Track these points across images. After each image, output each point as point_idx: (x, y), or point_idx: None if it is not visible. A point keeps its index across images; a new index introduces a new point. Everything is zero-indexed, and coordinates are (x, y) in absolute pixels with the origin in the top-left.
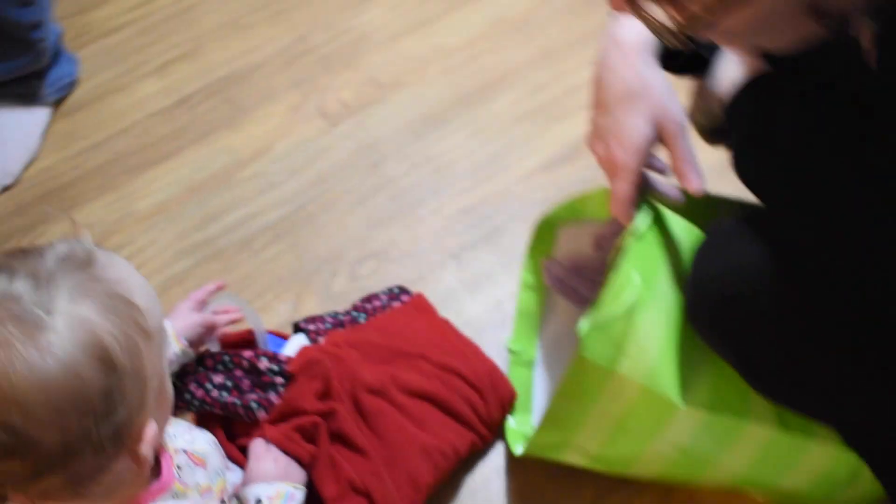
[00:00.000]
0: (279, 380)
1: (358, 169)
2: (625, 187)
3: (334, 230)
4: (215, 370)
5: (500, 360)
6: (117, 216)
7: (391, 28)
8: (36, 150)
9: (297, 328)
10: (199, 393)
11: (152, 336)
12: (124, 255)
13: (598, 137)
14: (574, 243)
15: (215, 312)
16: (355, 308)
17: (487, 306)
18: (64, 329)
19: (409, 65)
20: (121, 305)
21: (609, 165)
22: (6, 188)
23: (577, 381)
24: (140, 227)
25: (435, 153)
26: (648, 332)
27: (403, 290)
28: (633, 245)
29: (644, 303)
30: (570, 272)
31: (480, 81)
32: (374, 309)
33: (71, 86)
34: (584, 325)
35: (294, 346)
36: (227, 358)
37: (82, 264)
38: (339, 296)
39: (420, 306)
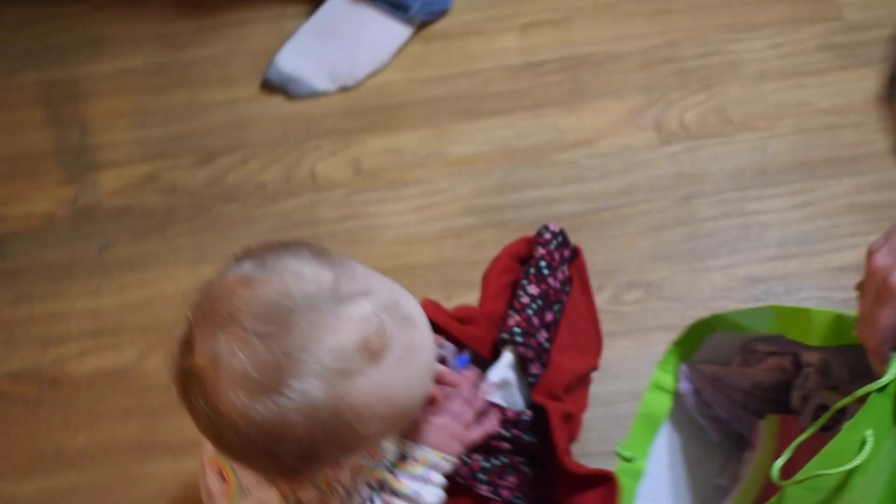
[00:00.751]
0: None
1: (669, 195)
2: (892, 316)
3: (619, 246)
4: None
5: None
6: (428, 152)
7: (765, 65)
8: (385, 62)
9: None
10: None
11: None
12: (419, 191)
13: (889, 250)
14: (719, 352)
15: None
16: (551, 297)
17: None
18: None
19: (765, 110)
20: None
21: (883, 286)
22: (345, 89)
23: None
24: (444, 170)
25: (752, 209)
26: (864, 496)
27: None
28: (874, 399)
29: (869, 464)
30: (708, 382)
31: (831, 154)
32: (558, 291)
33: (440, 14)
34: (779, 477)
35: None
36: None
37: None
38: None
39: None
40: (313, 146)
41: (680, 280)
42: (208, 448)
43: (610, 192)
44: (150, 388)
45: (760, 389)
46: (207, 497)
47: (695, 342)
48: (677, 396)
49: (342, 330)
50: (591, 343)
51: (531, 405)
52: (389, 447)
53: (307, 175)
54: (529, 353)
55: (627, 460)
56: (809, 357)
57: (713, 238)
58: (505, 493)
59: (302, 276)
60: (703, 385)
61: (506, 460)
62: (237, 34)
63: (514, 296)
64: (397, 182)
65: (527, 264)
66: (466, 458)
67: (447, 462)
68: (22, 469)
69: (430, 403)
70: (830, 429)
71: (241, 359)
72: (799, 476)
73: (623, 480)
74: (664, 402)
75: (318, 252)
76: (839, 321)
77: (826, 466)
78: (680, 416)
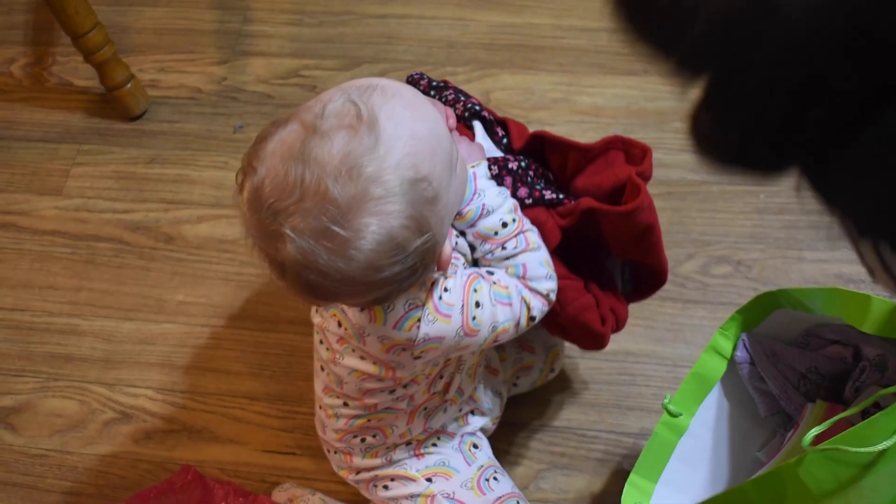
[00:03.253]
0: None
1: (781, 182)
2: None
3: (719, 220)
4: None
5: None
6: (556, 97)
7: None
8: None
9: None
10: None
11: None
12: None
13: None
14: (782, 330)
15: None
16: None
17: None
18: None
19: None
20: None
21: None
22: None
23: (767, 485)
24: (567, 116)
25: None
26: (879, 486)
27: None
28: None
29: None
30: (766, 356)
31: None
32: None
33: None
34: (810, 442)
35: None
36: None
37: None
38: (678, 276)
39: None
40: (450, 71)
41: (770, 264)
42: (317, 318)
43: None
44: (249, 263)
45: (816, 374)
46: (319, 359)
47: (759, 314)
48: (732, 364)
49: (335, 138)
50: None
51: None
52: None
53: None
54: (491, 116)
55: (673, 415)
56: (868, 351)
57: (814, 231)
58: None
59: (282, 141)
60: (760, 358)
61: (543, 182)
62: None
63: (443, 92)
64: (521, 118)
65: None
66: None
67: (480, 167)
68: (125, 310)
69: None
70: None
71: (312, 224)
72: (823, 445)
73: (664, 434)
74: (719, 366)
75: (275, 122)
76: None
77: (852, 444)
78: (732, 384)
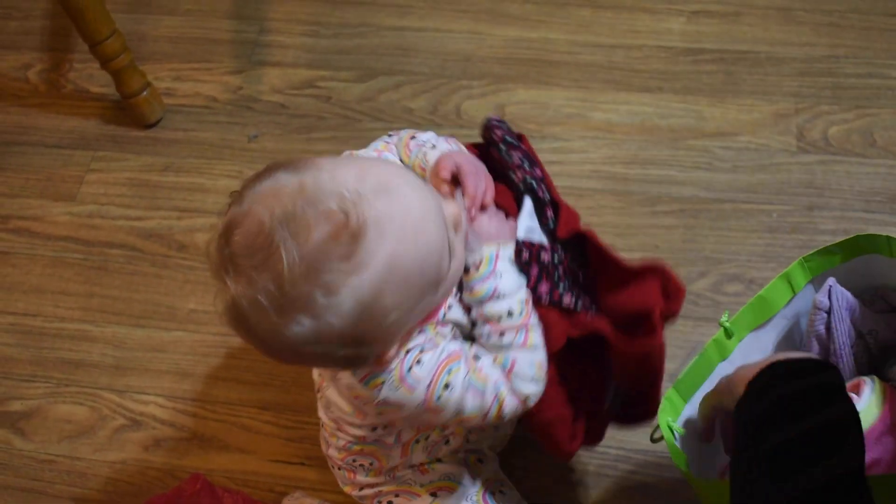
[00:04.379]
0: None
1: (793, 201)
2: None
3: (732, 238)
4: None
5: None
6: (571, 112)
7: None
8: None
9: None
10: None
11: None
12: (553, 146)
13: None
14: (857, 278)
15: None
16: (531, 156)
17: None
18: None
19: None
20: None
21: None
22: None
23: None
24: (581, 132)
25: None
26: None
27: None
28: None
29: None
30: (846, 309)
31: None
32: (528, 154)
33: None
34: None
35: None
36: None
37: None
38: (691, 294)
39: None
40: (465, 84)
41: None
42: None
43: (736, 186)
44: None
45: (873, 338)
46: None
47: (850, 253)
48: (794, 300)
49: (316, 229)
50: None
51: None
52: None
53: (453, 110)
54: (546, 197)
55: (728, 334)
56: None
57: None
58: (582, 305)
59: (275, 194)
60: (838, 307)
61: (569, 282)
62: None
63: (506, 160)
64: (535, 133)
65: (491, 146)
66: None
67: (506, 248)
68: (137, 317)
69: (465, 220)
70: None
71: (251, 295)
72: None
73: (710, 353)
74: (784, 296)
75: (287, 165)
76: None
77: None
78: (786, 321)
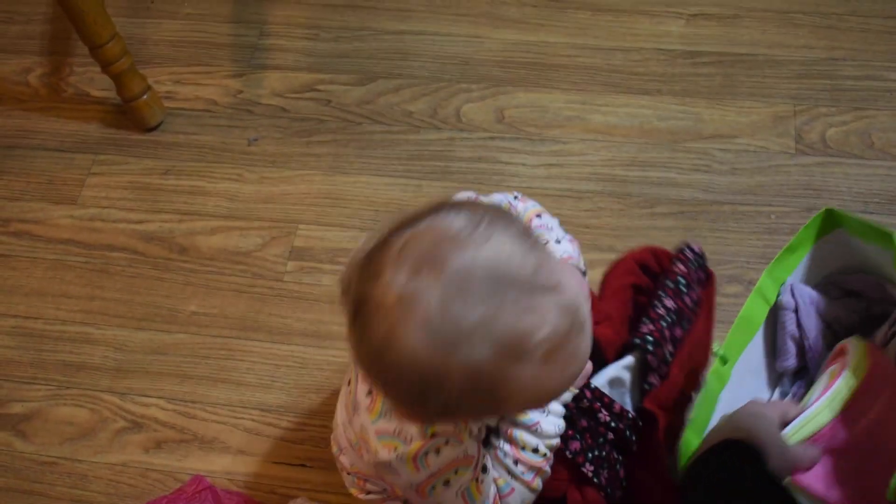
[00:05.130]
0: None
1: (792, 203)
2: None
3: (731, 240)
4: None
5: None
6: (570, 115)
7: None
8: None
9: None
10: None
11: None
12: (552, 149)
13: None
14: (817, 268)
15: None
16: (684, 314)
17: None
18: None
19: None
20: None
21: None
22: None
23: None
24: (581, 135)
25: None
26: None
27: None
28: None
29: None
30: (810, 304)
31: None
32: (690, 310)
33: None
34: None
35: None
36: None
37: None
38: None
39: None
40: (464, 88)
41: None
42: None
43: (735, 188)
44: (263, 274)
45: (838, 325)
46: (346, 403)
47: (824, 229)
48: (772, 311)
49: (527, 320)
50: (702, 369)
51: (637, 411)
52: None
53: (452, 113)
54: (655, 363)
55: (724, 361)
56: None
57: None
58: (602, 479)
59: (510, 254)
60: (804, 304)
61: (604, 453)
62: None
63: (650, 305)
64: (534, 136)
65: (664, 277)
66: (578, 436)
67: (567, 391)
68: (137, 319)
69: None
70: None
71: (432, 306)
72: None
73: (711, 384)
74: (762, 310)
75: (523, 232)
76: None
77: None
78: (771, 332)
